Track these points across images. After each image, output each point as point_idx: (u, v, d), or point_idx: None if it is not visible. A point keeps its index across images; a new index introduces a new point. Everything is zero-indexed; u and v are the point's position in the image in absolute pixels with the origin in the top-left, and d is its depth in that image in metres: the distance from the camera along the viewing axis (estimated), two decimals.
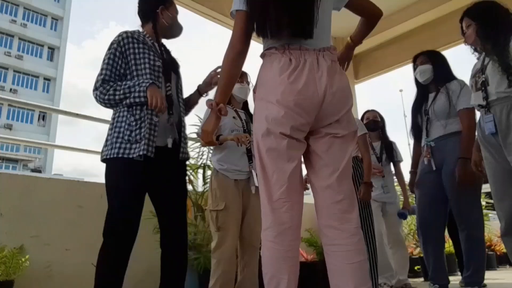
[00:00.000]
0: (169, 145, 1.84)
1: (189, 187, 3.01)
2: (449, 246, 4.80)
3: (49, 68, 28.47)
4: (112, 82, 1.79)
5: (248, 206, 2.38)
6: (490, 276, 3.92)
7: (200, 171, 3.20)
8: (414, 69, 2.76)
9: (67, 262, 2.50)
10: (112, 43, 1.83)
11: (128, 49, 1.82)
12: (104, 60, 1.81)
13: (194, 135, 2.92)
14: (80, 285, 2.50)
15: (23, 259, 2.21)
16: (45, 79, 28.38)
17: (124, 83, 1.77)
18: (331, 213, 1.33)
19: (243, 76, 2.48)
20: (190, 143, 2.93)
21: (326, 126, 1.34)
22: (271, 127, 1.29)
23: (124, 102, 1.75)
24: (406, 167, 3.80)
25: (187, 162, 2.07)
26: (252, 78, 2.36)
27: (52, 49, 29.12)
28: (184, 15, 2.63)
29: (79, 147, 3.69)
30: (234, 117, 2.45)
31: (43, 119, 27.68)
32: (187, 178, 2.19)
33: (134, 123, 1.74)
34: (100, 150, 1.85)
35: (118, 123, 1.78)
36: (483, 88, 2.03)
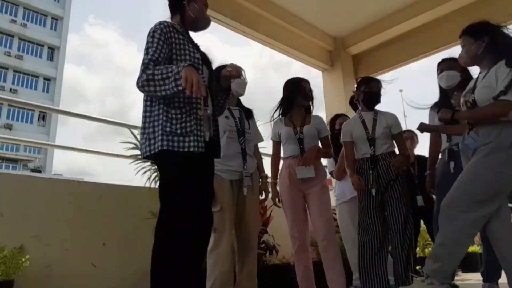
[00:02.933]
0: (206, 138, 1.76)
1: None
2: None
3: (49, 68, 28.44)
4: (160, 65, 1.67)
5: (244, 206, 2.37)
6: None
7: None
8: (439, 73, 2.60)
9: (67, 262, 2.50)
10: (154, 31, 1.73)
11: (171, 38, 1.76)
12: (149, 45, 1.70)
13: None
14: (80, 285, 2.50)
15: (23, 259, 2.21)
16: (45, 79, 28.34)
17: (165, 66, 1.65)
18: None
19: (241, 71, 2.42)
20: None
21: None
22: None
23: (163, 89, 1.60)
24: None
25: None
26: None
27: (52, 49, 29.07)
28: None
29: (78, 147, 3.67)
30: (226, 117, 2.39)
31: (43, 119, 27.66)
32: None
33: (177, 116, 1.67)
34: (94, 149, 1.82)
35: (156, 116, 1.68)
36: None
